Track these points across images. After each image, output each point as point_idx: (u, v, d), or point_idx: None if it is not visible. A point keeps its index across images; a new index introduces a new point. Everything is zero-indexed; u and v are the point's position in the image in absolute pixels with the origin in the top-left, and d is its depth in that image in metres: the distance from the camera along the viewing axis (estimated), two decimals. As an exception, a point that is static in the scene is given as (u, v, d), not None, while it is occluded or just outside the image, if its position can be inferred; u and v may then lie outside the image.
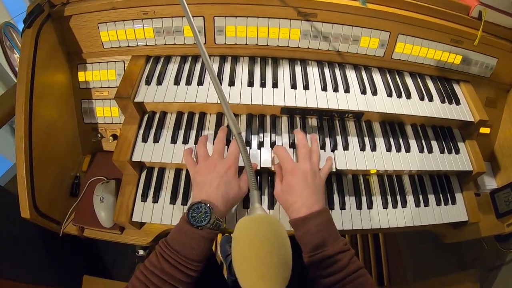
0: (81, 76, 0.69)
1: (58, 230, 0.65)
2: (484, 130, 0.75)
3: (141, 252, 1.09)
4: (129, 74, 0.63)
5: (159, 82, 0.62)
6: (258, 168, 0.58)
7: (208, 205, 0.45)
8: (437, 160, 0.65)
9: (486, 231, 0.72)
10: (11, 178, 1.06)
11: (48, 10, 0.62)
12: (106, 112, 0.69)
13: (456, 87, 0.72)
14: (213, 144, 0.56)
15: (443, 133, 0.70)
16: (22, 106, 0.56)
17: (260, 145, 0.61)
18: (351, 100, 0.62)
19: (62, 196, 0.67)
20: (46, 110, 0.61)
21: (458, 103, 0.68)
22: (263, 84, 0.62)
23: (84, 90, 0.70)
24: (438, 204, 0.66)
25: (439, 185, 0.68)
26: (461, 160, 0.66)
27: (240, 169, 0.55)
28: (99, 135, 0.70)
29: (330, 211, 0.60)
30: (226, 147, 0.57)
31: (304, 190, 0.51)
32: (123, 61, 0.68)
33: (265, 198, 0.61)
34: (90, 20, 0.63)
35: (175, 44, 0.65)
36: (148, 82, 0.62)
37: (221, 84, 0.62)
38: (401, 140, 0.65)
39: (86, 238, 0.66)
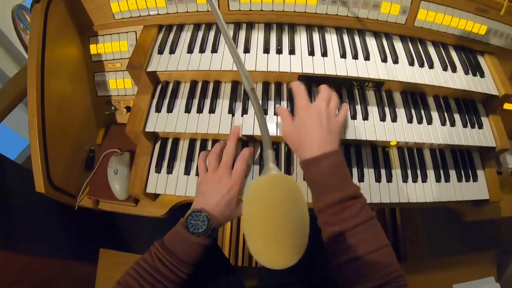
0: (93, 48, 0.68)
1: (74, 204, 0.65)
2: (508, 106, 0.71)
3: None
4: (141, 44, 0.62)
5: (172, 51, 0.61)
6: (276, 134, 0.57)
7: (206, 214, 0.47)
8: (459, 134, 0.62)
9: (506, 211, 0.69)
10: (28, 156, 1.07)
11: (57, -16, 0.60)
12: (119, 84, 0.68)
13: (481, 59, 0.68)
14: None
15: (466, 106, 0.66)
16: (34, 82, 0.55)
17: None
18: (371, 68, 0.60)
19: (76, 169, 0.67)
20: (58, 85, 0.61)
21: (482, 75, 0.65)
22: (279, 51, 0.60)
23: (96, 63, 0.69)
24: (459, 180, 0.64)
25: (460, 160, 0.66)
26: (484, 135, 0.64)
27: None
28: (112, 107, 0.70)
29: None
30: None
31: (317, 128, 0.48)
32: (135, 32, 0.66)
33: (281, 168, 0.59)
34: (100, -9, 0.62)
35: (187, 11, 0.63)
36: (160, 51, 0.61)
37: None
38: (422, 112, 0.63)
39: (101, 210, 0.66)
